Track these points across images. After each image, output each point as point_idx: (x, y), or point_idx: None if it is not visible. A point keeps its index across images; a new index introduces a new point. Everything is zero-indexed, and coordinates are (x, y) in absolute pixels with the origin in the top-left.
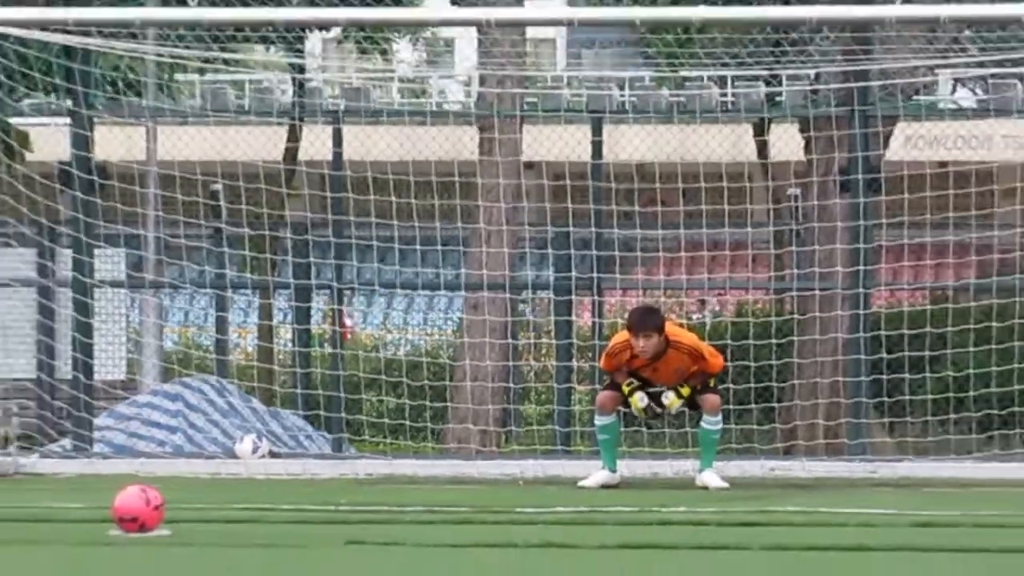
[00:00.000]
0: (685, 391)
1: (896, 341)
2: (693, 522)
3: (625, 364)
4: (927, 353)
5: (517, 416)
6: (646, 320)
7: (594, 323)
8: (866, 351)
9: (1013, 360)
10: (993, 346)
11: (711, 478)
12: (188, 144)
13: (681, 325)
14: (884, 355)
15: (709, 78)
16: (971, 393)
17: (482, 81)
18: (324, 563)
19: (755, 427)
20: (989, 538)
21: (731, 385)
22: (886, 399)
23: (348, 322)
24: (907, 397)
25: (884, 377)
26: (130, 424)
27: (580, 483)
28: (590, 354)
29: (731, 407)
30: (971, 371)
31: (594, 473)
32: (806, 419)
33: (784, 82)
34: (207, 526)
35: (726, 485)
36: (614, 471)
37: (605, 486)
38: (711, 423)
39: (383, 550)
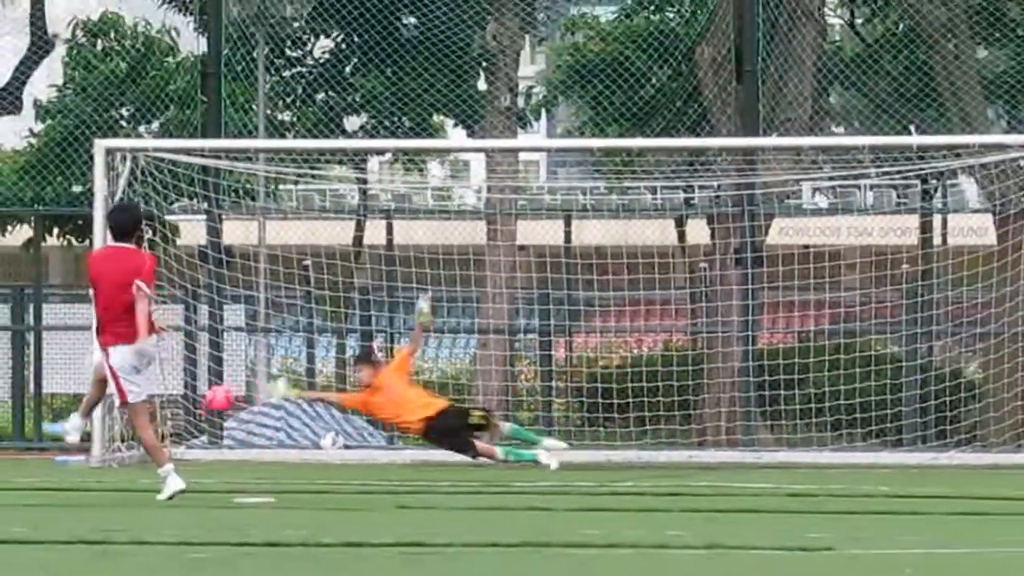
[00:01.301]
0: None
1: (774, 368)
2: (635, 492)
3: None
4: (796, 376)
5: (513, 421)
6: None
7: (567, 356)
8: (753, 374)
9: (854, 381)
10: (841, 371)
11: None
12: (287, 233)
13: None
14: (766, 377)
15: (644, 187)
16: (826, 404)
17: (489, 189)
18: (381, 520)
19: (678, 427)
20: (839, 504)
21: (662, 398)
22: (767, 407)
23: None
24: (782, 407)
25: (766, 393)
26: (247, 426)
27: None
28: (564, 377)
29: (662, 413)
30: (826, 389)
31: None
32: (713, 421)
33: (696, 189)
34: (300, 495)
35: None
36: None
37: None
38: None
39: (423, 512)
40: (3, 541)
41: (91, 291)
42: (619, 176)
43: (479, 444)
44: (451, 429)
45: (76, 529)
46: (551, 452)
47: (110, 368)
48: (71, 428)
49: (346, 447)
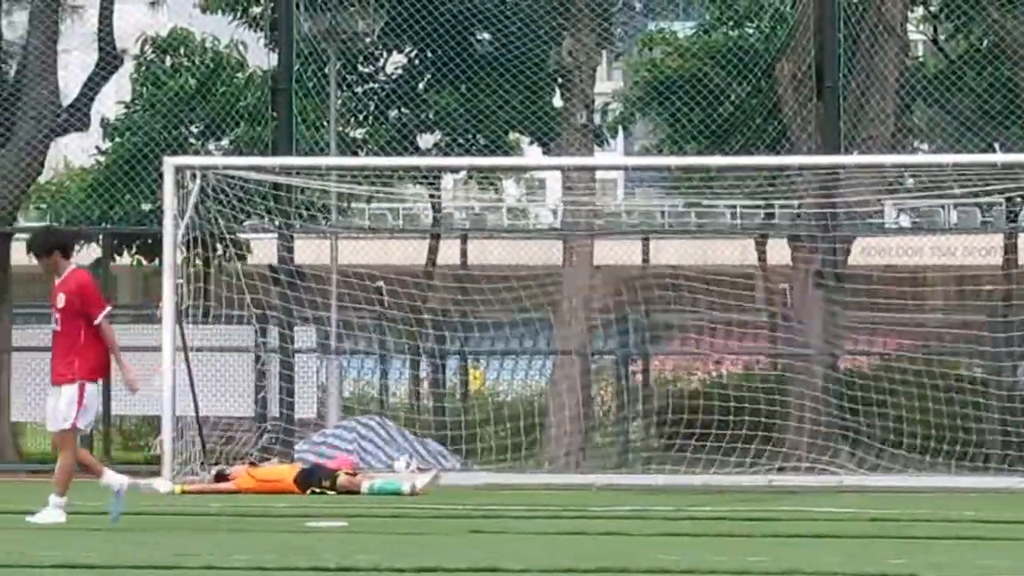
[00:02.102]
0: None
1: (856, 390)
2: (714, 517)
3: None
4: (878, 399)
5: (591, 442)
6: None
7: (645, 378)
8: (834, 397)
9: (938, 404)
10: (925, 394)
11: None
12: (359, 252)
13: None
14: (846, 401)
15: (723, 206)
16: (909, 428)
17: (565, 208)
18: (454, 545)
19: (758, 451)
20: (921, 529)
21: (742, 421)
22: (849, 431)
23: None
24: (864, 430)
25: (848, 416)
26: (319, 448)
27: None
28: (642, 400)
29: (743, 435)
30: (908, 412)
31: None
32: (794, 446)
33: (777, 208)
34: (373, 519)
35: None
36: None
37: None
38: None
39: (497, 536)
40: (74, 566)
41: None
42: (698, 195)
43: None
44: None
45: (148, 554)
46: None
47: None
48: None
49: (420, 470)
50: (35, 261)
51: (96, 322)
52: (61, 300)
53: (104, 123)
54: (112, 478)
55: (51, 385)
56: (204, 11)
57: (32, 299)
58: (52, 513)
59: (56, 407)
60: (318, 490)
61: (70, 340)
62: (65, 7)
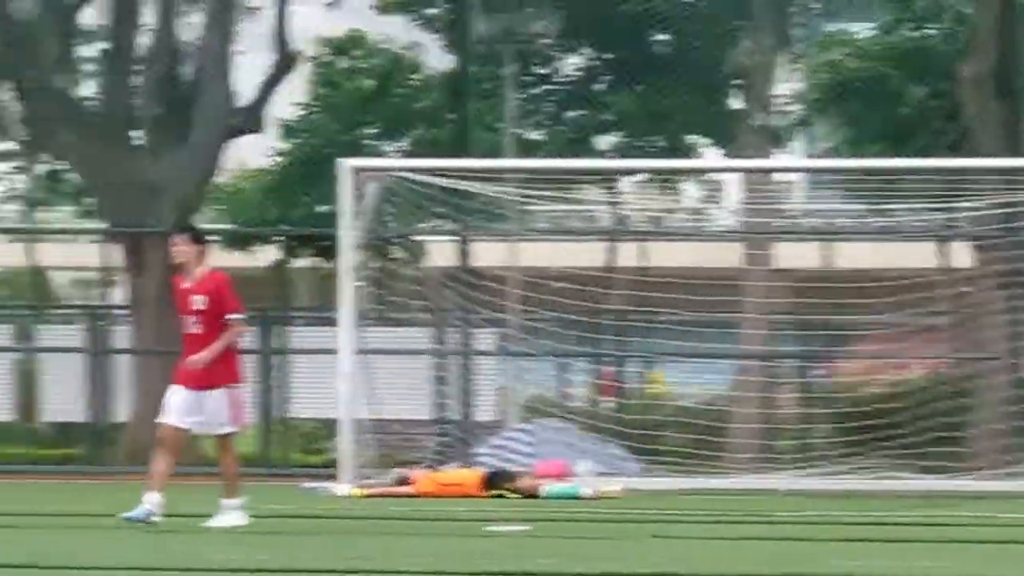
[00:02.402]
0: None
1: None
2: (898, 523)
3: None
4: None
5: (774, 447)
6: None
7: (827, 382)
8: (1021, 402)
9: None
10: None
11: None
12: (537, 254)
13: None
14: None
15: (904, 208)
16: None
17: (745, 211)
18: (632, 549)
19: (944, 455)
20: None
21: (927, 426)
22: None
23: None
24: None
25: None
26: (499, 451)
27: None
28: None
29: (930, 439)
30: None
31: None
32: (981, 450)
33: (959, 211)
34: (553, 523)
35: None
36: None
37: None
38: None
39: (677, 541)
40: (248, 569)
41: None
42: (879, 197)
43: None
44: None
45: (324, 558)
46: None
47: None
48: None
49: (600, 474)
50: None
51: (230, 319)
52: (201, 302)
53: (280, 124)
54: (153, 499)
55: (189, 388)
56: (381, 12)
57: None
58: (232, 516)
59: (213, 412)
60: (500, 494)
61: (211, 343)
62: (241, 8)
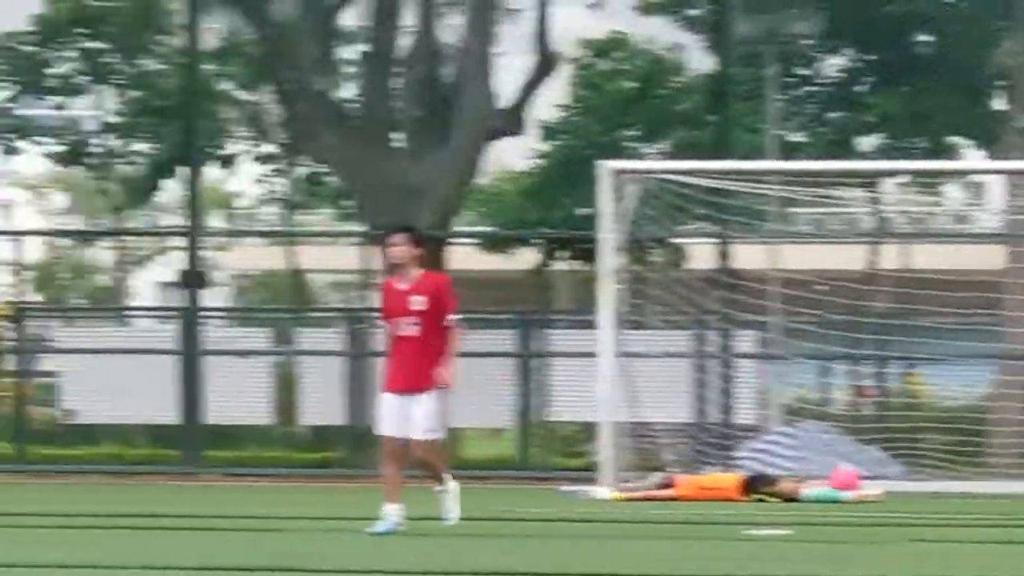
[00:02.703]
0: None
1: None
2: None
3: None
4: None
5: None
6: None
7: None
8: None
9: None
10: None
11: None
12: (799, 257)
13: None
14: None
15: None
16: None
17: (1008, 213)
18: (891, 553)
19: None
20: None
21: None
22: None
23: (869, 389)
24: None
25: None
26: (761, 455)
27: None
28: None
29: None
30: None
31: None
32: None
33: None
34: (816, 527)
35: None
36: None
37: None
38: None
39: (937, 546)
40: (499, 572)
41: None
42: None
43: None
44: None
45: (577, 561)
46: None
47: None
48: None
49: (862, 478)
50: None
51: (449, 323)
52: (421, 304)
53: (540, 124)
54: (393, 510)
55: (399, 393)
56: (643, 13)
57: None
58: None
59: (422, 415)
60: (760, 498)
61: (430, 345)
62: (502, 10)
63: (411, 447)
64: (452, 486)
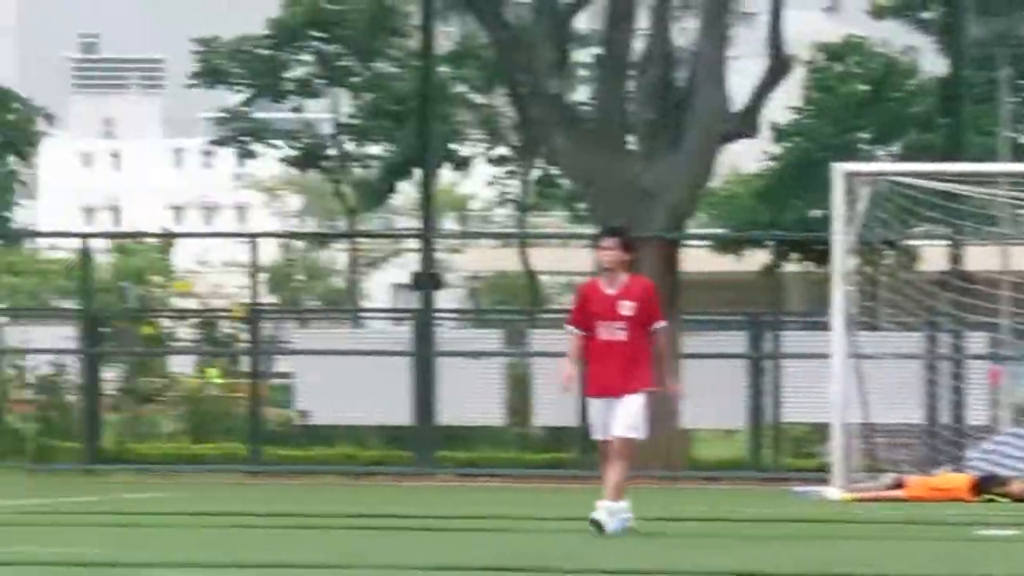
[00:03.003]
0: None
1: None
2: None
3: None
4: None
5: None
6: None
7: None
8: None
9: None
10: None
11: None
12: None
13: None
14: None
15: None
16: None
17: None
18: None
19: None
20: None
21: None
22: None
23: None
24: None
25: None
26: (991, 456)
27: None
28: None
29: None
30: None
31: None
32: None
33: None
34: None
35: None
36: None
37: None
38: None
39: None
40: (726, 572)
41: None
42: None
43: None
44: None
45: (807, 560)
46: None
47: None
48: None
49: None
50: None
51: (657, 329)
52: (630, 308)
53: (773, 127)
54: (620, 507)
55: (604, 397)
56: (876, 17)
57: (700, 306)
58: (621, 519)
59: (624, 412)
60: (991, 498)
61: (637, 349)
62: (736, 14)
63: (611, 443)
64: (625, 505)
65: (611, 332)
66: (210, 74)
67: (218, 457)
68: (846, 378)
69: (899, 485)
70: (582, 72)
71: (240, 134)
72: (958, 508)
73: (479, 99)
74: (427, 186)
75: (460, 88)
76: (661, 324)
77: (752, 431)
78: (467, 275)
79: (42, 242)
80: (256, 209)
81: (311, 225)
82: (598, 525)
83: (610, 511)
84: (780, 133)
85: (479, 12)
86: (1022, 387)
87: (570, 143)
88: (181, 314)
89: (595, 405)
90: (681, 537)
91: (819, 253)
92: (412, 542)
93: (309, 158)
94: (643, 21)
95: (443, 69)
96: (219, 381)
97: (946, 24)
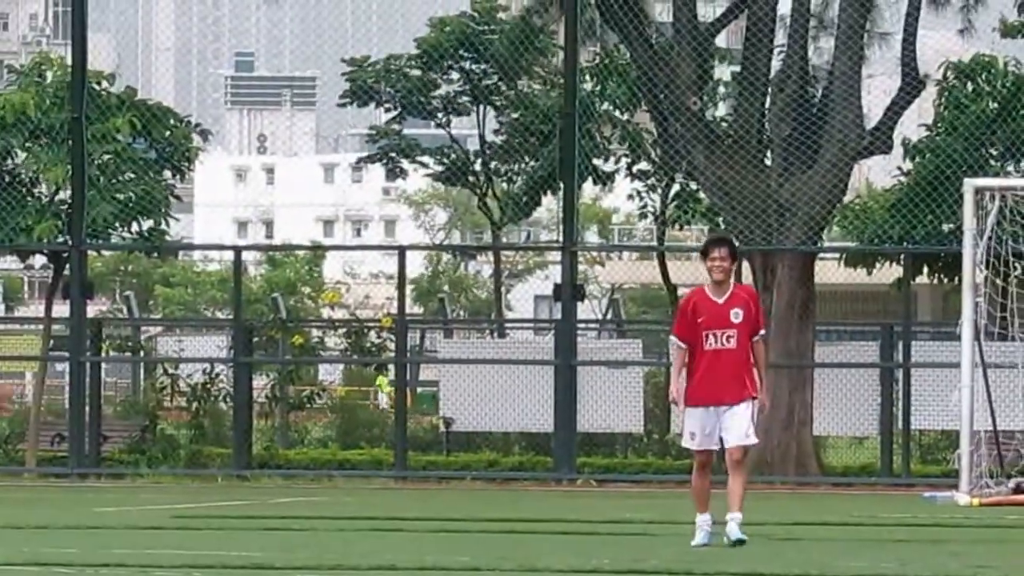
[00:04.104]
0: None
1: None
2: None
3: None
4: None
5: None
6: None
7: None
8: None
9: None
10: None
11: None
12: None
13: None
14: None
15: None
16: None
17: None
18: None
19: None
20: None
21: None
22: None
23: None
24: None
25: None
26: None
27: None
28: None
29: None
30: None
31: None
32: None
33: None
34: None
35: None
36: None
37: None
38: None
39: None
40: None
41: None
42: None
43: None
44: None
45: (936, 564)
46: None
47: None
48: None
49: None
50: (828, 279)
51: (760, 337)
52: (739, 316)
53: (905, 144)
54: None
55: (710, 405)
56: (1003, 36)
57: (835, 317)
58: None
59: (740, 420)
60: None
61: (745, 356)
62: (873, 33)
63: (730, 453)
64: (740, 516)
65: (721, 341)
66: (360, 92)
67: (365, 463)
68: (975, 387)
69: (1022, 490)
70: (722, 89)
71: (389, 151)
72: None
73: (622, 115)
74: (569, 199)
75: (603, 105)
76: (763, 332)
77: (884, 438)
78: (608, 287)
79: (196, 254)
80: (403, 222)
81: (457, 238)
82: (741, 542)
83: (739, 522)
84: (912, 149)
85: (622, 31)
86: None
87: (709, 159)
88: (330, 324)
89: (699, 415)
90: (816, 541)
91: (950, 265)
92: (551, 545)
93: (455, 173)
94: (781, 39)
95: (586, 86)
96: (388, 389)
97: None
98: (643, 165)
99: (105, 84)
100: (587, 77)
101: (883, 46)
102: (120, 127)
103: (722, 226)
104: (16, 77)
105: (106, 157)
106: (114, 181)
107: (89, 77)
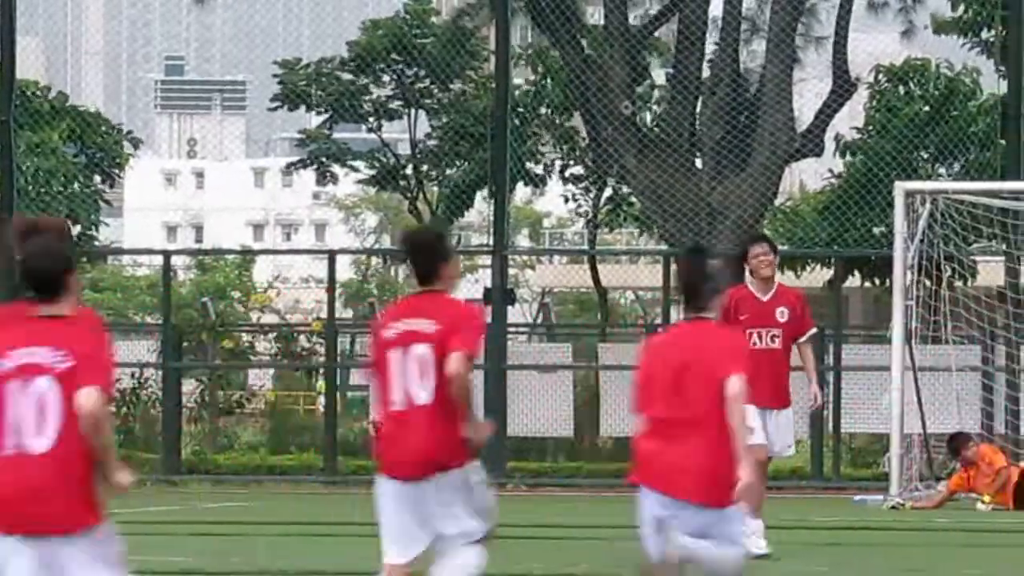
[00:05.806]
0: None
1: None
2: None
3: None
4: None
5: None
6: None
7: None
8: None
9: None
10: None
11: None
12: None
13: None
14: None
15: None
16: None
17: None
18: None
19: None
20: None
21: None
22: None
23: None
24: None
25: None
26: None
27: None
28: None
29: None
30: None
31: None
32: None
33: None
34: None
35: None
36: None
37: None
38: None
39: None
40: None
41: None
42: None
43: None
44: None
45: (876, 568)
46: None
47: None
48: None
49: None
50: None
51: (806, 339)
52: (784, 315)
53: (837, 140)
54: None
55: (758, 407)
56: (936, 32)
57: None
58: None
59: (785, 432)
60: None
61: (786, 358)
62: (809, 37)
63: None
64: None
65: (766, 341)
66: (291, 96)
67: (295, 468)
68: (904, 390)
69: (953, 493)
70: (656, 93)
71: (320, 155)
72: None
73: (553, 119)
74: (500, 203)
75: (535, 108)
76: (814, 331)
77: (814, 441)
78: (538, 291)
79: (126, 259)
80: (334, 226)
81: (387, 242)
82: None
83: (760, 533)
84: (843, 148)
85: (553, 34)
86: None
87: (641, 162)
88: (260, 329)
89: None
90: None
91: (880, 269)
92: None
93: (386, 177)
94: (712, 43)
95: (517, 89)
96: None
97: (1005, 45)
98: (576, 169)
99: (38, 92)
100: (520, 80)
101: (819, 50)
102: (56, 139)
103: (654, 230)
104: None
105: (41, 171)
106: (43, 191)
107: (22, 85)
